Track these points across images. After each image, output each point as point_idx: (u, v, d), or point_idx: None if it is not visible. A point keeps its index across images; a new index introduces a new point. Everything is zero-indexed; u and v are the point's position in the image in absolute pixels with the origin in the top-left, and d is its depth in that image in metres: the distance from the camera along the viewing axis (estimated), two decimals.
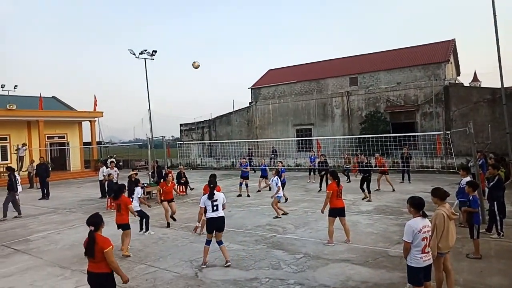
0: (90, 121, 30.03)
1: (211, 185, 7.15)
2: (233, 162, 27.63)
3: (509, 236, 8.00)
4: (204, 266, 6.88)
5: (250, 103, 31.76)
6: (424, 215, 4.68)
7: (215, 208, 6.90)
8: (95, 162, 28.25)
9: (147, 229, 9.78)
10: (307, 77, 29.82)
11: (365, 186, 13.26)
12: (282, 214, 11.07)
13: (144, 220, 9.81)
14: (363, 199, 13.16)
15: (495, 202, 8.14)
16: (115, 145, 40.93)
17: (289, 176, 20.53)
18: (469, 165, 11.04)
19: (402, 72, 25.42)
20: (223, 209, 7.12)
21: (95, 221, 4.56)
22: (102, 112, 30.75)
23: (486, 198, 8.68)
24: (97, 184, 17.64)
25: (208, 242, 6.98)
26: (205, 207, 7.01)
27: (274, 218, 10.80)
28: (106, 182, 14.62)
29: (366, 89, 25.98)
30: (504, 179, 9.07)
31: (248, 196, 14.85)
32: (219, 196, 7.01)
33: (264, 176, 16.03)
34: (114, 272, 4.52)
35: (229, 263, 6.86)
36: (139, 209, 9.69)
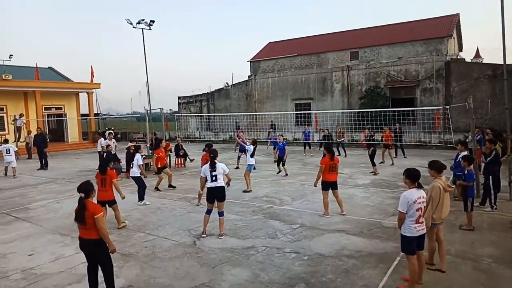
0: (87, 92, 29.75)
1: (212, 155, 7.15)
2: (231, 135, 27.65)
3: (502, 210, 8.14)
4: (204, 236, 6.97)
5: (249, 76, 31.41)
6: (420, 186, 4.73)
7: (214, 178, 6.90)
8: (93, 134, 28.22)
9: (142, 199, 9.79)
10: (307, 51, 29.39)
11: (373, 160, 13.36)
12: (248, 190, 10.79)
13: (140, 188, 9.82)
14: (370, 172, 13.28)
15: (490, 177, 8.23)
16: (112, 117, 40.74)
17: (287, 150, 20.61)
18: (467, 140, 11.06)
19: (404, 47, 25.07)
20: (228, 180, 7.12)
21: (85, 188, 4.58)
22: (100, 84, 30.41)
23: (482, 173, 8.76)
24: (95, 156, 17.69)
25: (208, 212, 7.03)
26: (206, 177, 7.05)
27: (243, 191, 10.71)
28: (105, 153, 14.64)
29: (366, 64, 25.67)
30: (500, 155, 9.12)
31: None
32: (218, 166, 6.99)
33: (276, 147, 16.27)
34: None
35: (221, 237, 6.88)
36: (138, 175, 9.79)
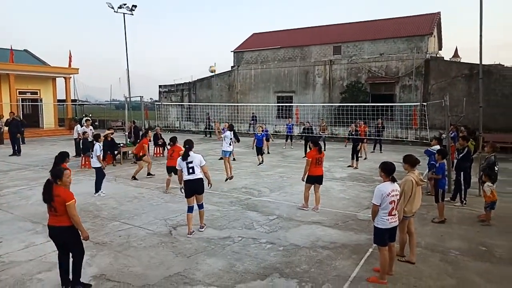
0: (64, 77, 28.85)
1: (186, 146, 6.70)
2: (211, 126, 27.50)
3: (471, 205, 8.42)
4: (190, 236, 6.47)
5: (232, 67, 31.19)
6: (394, 180, 4.84)
7: (191, 170, 6.53)
8: (70, 121, 27.49)
9: (98, 190, 9.34)
10: (291, 43, 29.39)
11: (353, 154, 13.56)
12: (229, 177, 10.78)
13: (98, 179, 9.38)
14: (348, 166, 13.52)
15: (462, 173, 8.50)
16: (91, 104, 39.78)
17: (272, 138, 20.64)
18: (441, 137, 11.36)
19: (386, 43, 25.40)
20: (205, 174, 6.71)
21: (54, 173, 4.52)
22: (78, 69, 29.55)
23: (454, 169, 9.03)
24: (71, 143, 17.27)
25: (189, 209, 6.58)
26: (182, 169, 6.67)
27: (225, 180, 10.73)
28: (81, 140, 14.31)
29: (349, 59, 25.89)
30: (472, 152, 9.41)
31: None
32: (194, 157, 6.58)
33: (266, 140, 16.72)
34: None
35: (202, 229, 6.68)
36: (99, 165, 9.40)
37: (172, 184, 10.64)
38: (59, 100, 29.72)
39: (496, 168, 7.67)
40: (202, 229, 6.72)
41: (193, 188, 6.58)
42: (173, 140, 9.50)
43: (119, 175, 12.15)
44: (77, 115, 31.59)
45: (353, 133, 14.26)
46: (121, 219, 7.48)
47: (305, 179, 8.07)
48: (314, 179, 8.02)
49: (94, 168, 9.62)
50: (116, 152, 14.53)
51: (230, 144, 11.37)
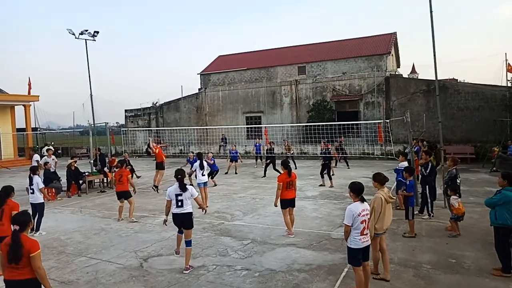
0: (24, 105, 27.72)
1: (179, 176, 6.25)
2: (181, 149, 27.15)
3: (438, 217, 8.72)
4: (178, 256, 6.38)
5: (199, 89, 31.19)
6: (363, 200, 4.93)
7: (179, 203, 6.13)
8: (30, 150, 26.28)
9: (37, 229, 8.45)
10: (257, 65, 29.85)
11: (325, 172, 13.68)
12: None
13: (39, 217, 8.57)
14: (320, 185, 13.58)
15: (427, 186, 8.81)
16: (53, 131, 38.29)
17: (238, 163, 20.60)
18: (406, 151, 11.79)
19: (348, 63, 26.34)
20: (198, 203, 6.43)
21: (22, 220, 3.92)
22: (38, 96, 28.48)
23: (420, 182, 9.34)
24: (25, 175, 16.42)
25: (180, 231, 6.35)
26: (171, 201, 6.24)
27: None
28: (43, 171, 13.66)
29: (313, 78, 26.61)
30: (435, 164, 9.80)
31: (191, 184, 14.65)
32: (187, 190, 6.20)
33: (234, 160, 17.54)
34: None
35: (186, 271, 6.01)
36: (42, 201, 8.62)
37: (142, 212, 10.35)
38: (18, 129, 28.41)
39: (458, 181, 8.00)
40: (187, 271, 6.02)
41: (180, 222, 6.20)
42: (121, 162, 9.19)
43: (84, 205, 11.64)
44: (38, 143, 30.26)
45: (324, 151, 14.39)
46: (88, 254, 7.12)
47: (277, 204, 7.74)
48: (288, 203, 7.73)
49: (35, 204, 8.56)
50: (81, 181, 13.96)
51: (203, 174, 10.67)
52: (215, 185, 13.93)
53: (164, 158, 14.11)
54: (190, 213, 6.20)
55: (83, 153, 28.66)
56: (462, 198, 7.87)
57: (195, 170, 10.72)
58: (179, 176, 6.24)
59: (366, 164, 19.03)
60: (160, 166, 13.47)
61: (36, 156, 14.90)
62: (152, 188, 13.37)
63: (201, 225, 8.80)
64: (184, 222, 6.18)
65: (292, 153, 18.69)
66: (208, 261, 6.50)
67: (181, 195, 6.15)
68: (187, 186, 6.23)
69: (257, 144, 19.85)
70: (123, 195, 9.62)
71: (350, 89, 25.29)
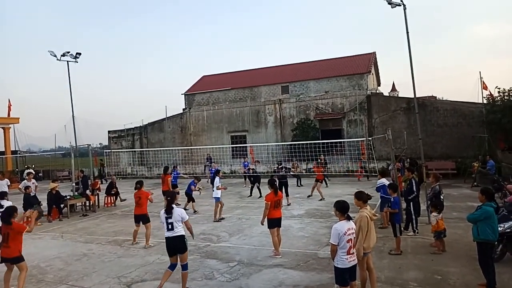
0: (3, 128, 27.15)
1: (169, 198, 6.16)
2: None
3: (423, 233, 8.80)
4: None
5: (184, 109, 31.19)
6: (349, 218, 4.95)
7: (170, 226, 5.98)
8: (10, 174, 25.55)
9: None
10: (241, 84, 30.15)
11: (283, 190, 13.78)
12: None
13: None
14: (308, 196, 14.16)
15: (411, 203, 8.91)
16: (34, 154, 37.40)
17: (224, 183, 20.46)
18: (389, 168, 11.99)
19: (330, 82, 26.88)
20: (188, 227, 6.21)
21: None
22: (18, 118, 28.04)
23: (404, 199, 9.47)
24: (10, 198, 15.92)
25: (171, 266, 6.08)
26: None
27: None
28: (23, 196, 13.26)
29: (297, 97, 27.00)
30: (418, 181, 9.95)
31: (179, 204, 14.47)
32: (175, 212, 6.05)
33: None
34: None
35: None
36: None
37: (125, 236, 10.13)
38: None
39: (441, 197, 8.14)
40: None
41: (173, 246, 6.03)
42: (140, 183, 9.14)
43: (66, 230, 11.32)
44: (18, 167, 29.50)
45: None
46: (68, 281, 6.88)
47: (264, 223, 7.78)
48: (276, 222, 7.73)
49: None
50: (62, 205, 13.60)
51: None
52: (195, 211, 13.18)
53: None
54: (182, 236, 6.04)
55: (65, 176, 28.05)
56: (445, 214, 8.00)
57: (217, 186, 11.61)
58: (168, 198, 6.16)
59: (350, 181, 19.19)
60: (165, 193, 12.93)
61: (6, 181, 14.62)
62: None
63: None
64: (177, 246, 6.02)
65: (293, 172, 18.55)
66: (194, 286, 6.36)
67: (170, 217, 6.02)
68: (175, 209, 6.10)
69: (246, 163, 19.79)
70: (141, 219, 9.03)
71: (333, 107, 25.71)
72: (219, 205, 11.65)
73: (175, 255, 6.08)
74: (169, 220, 6.01)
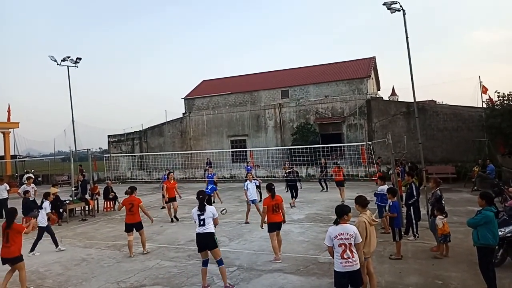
0: (3, 132, 27.16)
1: (200, 196, 6.50)
2: (164, 174, 26.81)
3: (423, 238, 8.76)
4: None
5: (183, 113, 31.23)
6: (336, 223, 4.94)
7: (202, 222, 6.35)
8: (9, 178, 25.54)
9: (56, 245, 9.40)
10: (240, 89, 30.21)
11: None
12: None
13: (38, 237, 9.36)
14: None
15: (411, 207, 8.89)
16: (33, 158, 37.36)
17: (224, 188, 20.49)
18: (389, 172, 11.97)
19: (330, 86, 26.94)
20: (215, 223, 6.53)
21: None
22: (18, 123, 28.06)
23: (404, 204, 9.45)
24: (10, 202, 15.88)
25: (204, 263, 6.35)
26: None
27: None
28: (22, 200, 13.23)
29: (296, 102, 27.05)
30: (418, 185, 9.94)
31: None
32: (207, 209, 6.45)
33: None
34: None
35: None
36: (45, 225, 9.32)
37: (125, 240, 10.05)
38: None
39: (443, 202, 8.12)
40: None
41: (203, 243, 6.33)
42: (132, 189, 8.93)
43: (65, 235, 11.27)
44: (18, 171, 29.47)
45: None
46: (68, 286, 6.84)
47: (263, 226, 7.88)
48: (275, 226, 7.74)
49: (40, 227, 9.25)
50: (61, 210, 13.56)
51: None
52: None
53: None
54: (212, 233, 6.36)
55: (64, 180, 28.01)
56: (446, 218, 7.95)
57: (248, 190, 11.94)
58: (200, 197, 6.53)
59: (351, 185, 19.11)
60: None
61: (5, 186, 14.64)
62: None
63: (186, 253, 8.62)
64: (207, 243, 6.31)
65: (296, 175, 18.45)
66: None
67: (202, 214, 6.39)
68: (207, 206, 6.47)
69: (248, 167, 19.73)
70: (135, 227, 8.66)
71: (332, 111, 25.75)
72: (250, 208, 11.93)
73: (205, 251, 6.34)
74: (202, 217, 6.37)
